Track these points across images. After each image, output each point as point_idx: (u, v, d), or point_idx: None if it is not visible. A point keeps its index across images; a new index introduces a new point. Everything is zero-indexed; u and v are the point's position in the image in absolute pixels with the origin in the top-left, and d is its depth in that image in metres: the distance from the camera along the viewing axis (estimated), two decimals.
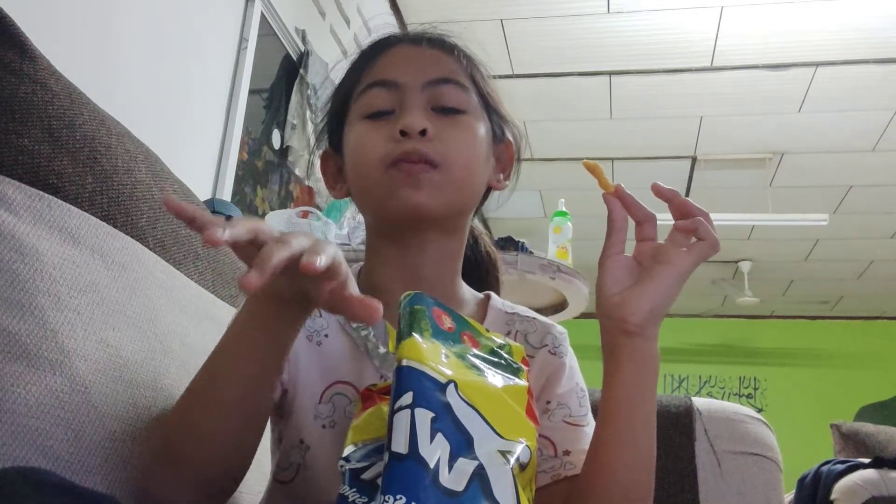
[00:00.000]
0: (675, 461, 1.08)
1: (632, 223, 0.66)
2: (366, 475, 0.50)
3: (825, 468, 2.63)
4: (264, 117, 2.67)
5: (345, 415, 0.69)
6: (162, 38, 2.06)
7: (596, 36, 3.88)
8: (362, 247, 0.80)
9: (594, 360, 0.65)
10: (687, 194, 5.30)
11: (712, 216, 0.64)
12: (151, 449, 0.64)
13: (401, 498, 0.44)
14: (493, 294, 0.81)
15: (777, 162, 4.90)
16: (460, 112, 0.73)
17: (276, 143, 2.75)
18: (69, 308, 0.63)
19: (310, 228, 1.98)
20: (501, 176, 0.80)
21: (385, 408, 0.53)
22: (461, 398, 0.51)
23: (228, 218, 1.71)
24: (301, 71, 2.87)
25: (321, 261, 0.46)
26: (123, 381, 0.66)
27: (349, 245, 2.02)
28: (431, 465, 0.46)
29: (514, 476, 0.49)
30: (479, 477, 0.47)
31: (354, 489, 0.49)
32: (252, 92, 2.50)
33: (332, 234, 2.03)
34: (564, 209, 2.26)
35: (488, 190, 0.80)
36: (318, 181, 2.92)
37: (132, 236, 0.77)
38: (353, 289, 0.51)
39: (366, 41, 0.80)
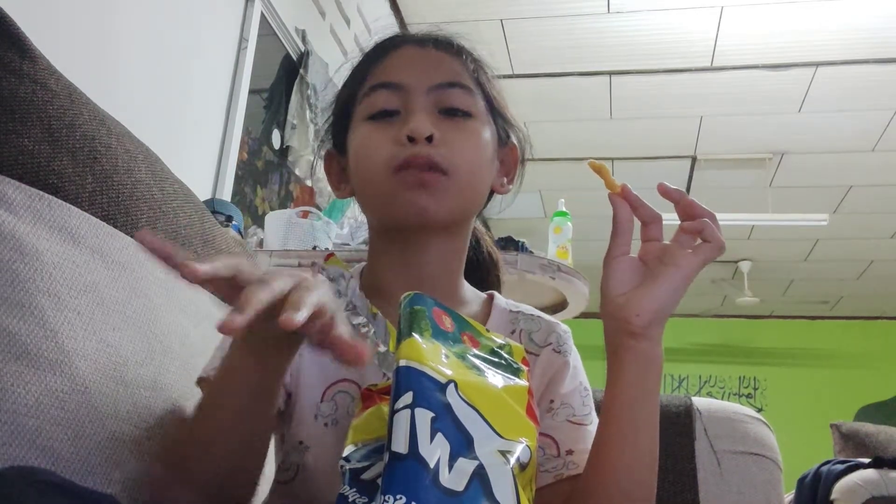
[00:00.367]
0: (675, 461, 1.08)
1: (637, 223, 0.65)
2: (366, 475, 0.50)
3: (825, 468, 2.63)
4: (264, 117, 2.67)
5: (347, 413, 0.69)
6: (162, 38, 2.06)
7: (596, 36, 3.88)
8: (363, 247, 0.80)
9: (594, 359, 0.65)
10: (687, 194, 5.30)
11: None
12: (162, 460, 0.64)
13: (401, 498, 0.44)
14: (496, 293, 0.81)
15: (777, 162, 4.90)
16: (466, 115, 0.73)
17: (276, 143, 2.75)
18: (69, 308, 0.63)
19: (310, 228, 1.98)
20: (505, 179, 0.80)
21: (385, 407, 0.53)
22: (461, 398, 0.51)
23: (229, 218, 1.70)
24: (301, 71, 2.87)
25: (301, 315, 0.45)
26: (123, 381, 0.66)
27: (349, 245, 2.02)
28: (431, 465, 0.46)
29: (514, 476, 0.49)
30: (480, 477, 0.47)
31: (354, 489, 0.49)
32: (252, 92, 2.50)
33: (332, 234, 2.03)
34: (564, 209, 2.26)
35: (491, 193, 0.79)
36: (318, 181, 2.92)
37: (132, 236, 0.77)
38: (342, 327, 0.50)
39: (370, 41, 0.80)
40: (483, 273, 0.89)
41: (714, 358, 7.70)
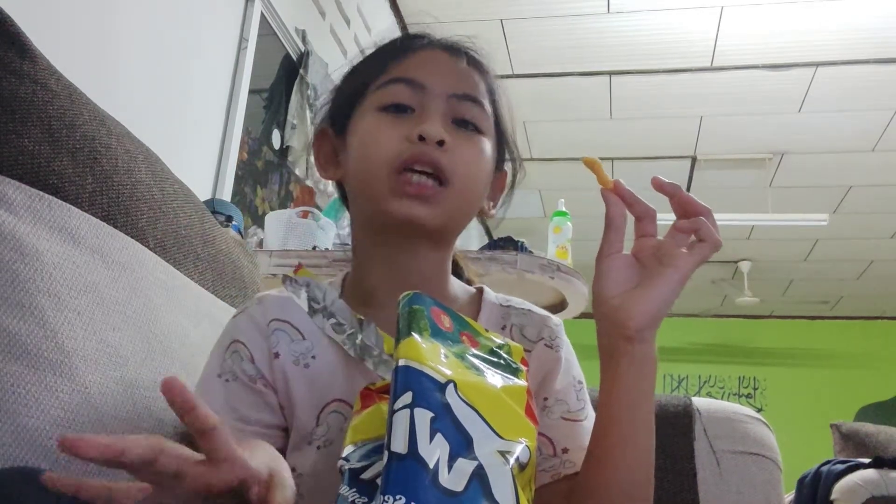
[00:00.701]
0: (675, 461, 1.08)
1: (630, 220, 0.65)
2: (365, 475, 0.50)
3: (825, 468, 2.63)
4: (264, 117, 2.68)
5: (340, 431, 0.67)
6: (162, 38, 2.06)
7: (596, 36, 3.88)
8: None
9: (594, 359, 0.64)
10: (681, 188, 5.30)
11: None
12: None
13: (400, 498, 0.44)
14: (485, 288, 0.80)
15: (777, 162, 4.90)
16: (476, 131, 0.73)
17: (276, 143, 2.75)
18: (69, 308, 0.63)
19: (310, 228, 1.98)
20: (491, 203, 0.80)
21: (384, 407, 0.53)
22: (460, 398, 0.51)
23: (228, 218, 1.70)
24: (301, 71, 2.87)
25: None
26: (123, 381, 0.66)
27: (349, 245, 2.02)
28: (431, 465, 0.46)
29: (513, 476, 0.49)
30: (479, 477, 0.47)
31: (354, 489, 0.49)
32: (252, 92, 2.50)
33: (332, 234, 2.03)
34: (564, 209, 2.26)
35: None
36: (318, 181, 2.92)
37: (132, 236, 0.77)
38: None
39: (379, 33, 0.79)
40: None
41: (714, 358, 7.70)
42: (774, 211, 5.10)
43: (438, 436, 0.47)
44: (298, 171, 2.90)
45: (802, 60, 3.94)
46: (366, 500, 0.48)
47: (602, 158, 0.66)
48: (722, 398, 6.65)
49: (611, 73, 4.17)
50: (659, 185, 0.63)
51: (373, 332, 0.67)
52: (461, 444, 0.49)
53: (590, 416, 0.72)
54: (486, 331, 0.63)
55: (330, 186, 2.90)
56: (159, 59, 2.05)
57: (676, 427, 1.10)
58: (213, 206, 1.95)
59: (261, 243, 2.10)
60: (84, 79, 0.87)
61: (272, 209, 2.60)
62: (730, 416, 1.13)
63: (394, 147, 0.69)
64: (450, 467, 0.47)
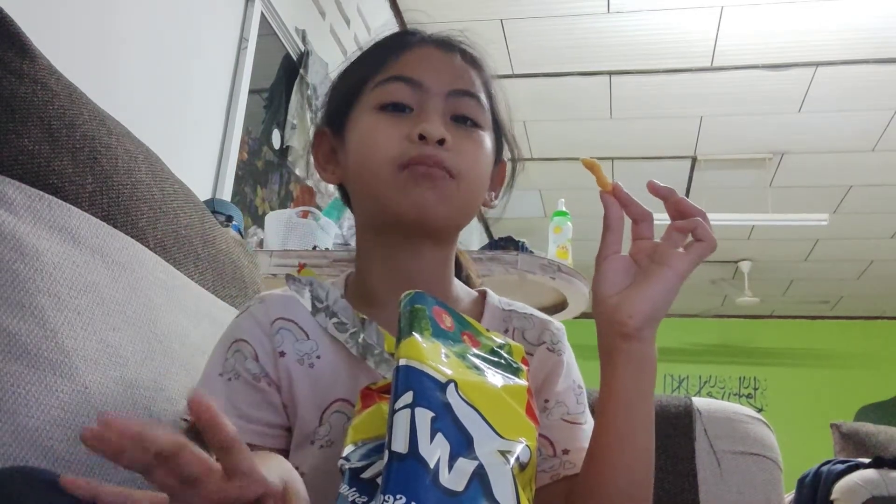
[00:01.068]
0: (675, 461, 1.08)
1: (628, 222, 0.65)
2: (366, 474, 0.50)
3: (825, 468, 2.63)
4: (264, 117, 2.68)
5: (342, 432, 0.68)
6: (162, 38, 2.06)
7: (596, 36, 3.88)
8: None
9: (594, 360, 0.64)
10: (687, 194, 5.32)
11: (712, 216, 0.64)
12: None
13: (400, 497, 0.44)
14: (488, 291, 0.81)
15: (777, 162, 4.90)
16: (475, 126, 0.73)
17: (276, 143, 2.75)
18: (69, 308, 0.63)
19: (310, 228, 1.97)
20: (493, 194, 0.80)
21: (384, 407, 0.53)
22: (461, 398, 0.51)
23: (229, 218, 1.70)
24: (301, 71, 2.87)
25: None
26: (123, 381, 0.66)
27: (349, 245, 2.02)
28: (431, 465, 0.46)
29: (513, 476, 0.49)
30: (479, 477, 0.47)
31: (354, 489, 0.49)
32: (252, 92, 2.50)
33: (332, 234, 2.03)
34: (564, 209, 2.26)
35: None
36: (318, 181, 2.92)
37: (132, 236, 0.77)
38: None
39: (380, 33, 0.79)
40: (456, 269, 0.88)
41: (714, 358, 7.70)
42: (774, 211, 5.10)
43: (439, 435, 0.47)
44: (298, 171, 2.90)
45: (802, 60, 3.94)
46: (366, 499, 0.48)
47: (602, 158, 0.67)
48: (722, 398, 6.65)
49: (611, 73, 4.17)
50: (654, 189, 0.64)
51: (374, 331, 0.67)
52: (462, 444, 0.49)
53: (589, 421, 0.73)
54: (487, 330, 0.63)
55: (330, 187, 2.90)
56: (159, 59, 2.05)
57: (677, 427, 1.10)
58: (213, 206, 1.95)
59: (261, 243, 2.10)
60: (84, 79, 0.87)
61: (272, 209, 2.60)
62: (730, 417, 1.13)
63: (395, 147, 0.69)
64: (450, 467, 0.47)
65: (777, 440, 1.14)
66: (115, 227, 0.75)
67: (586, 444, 0.67)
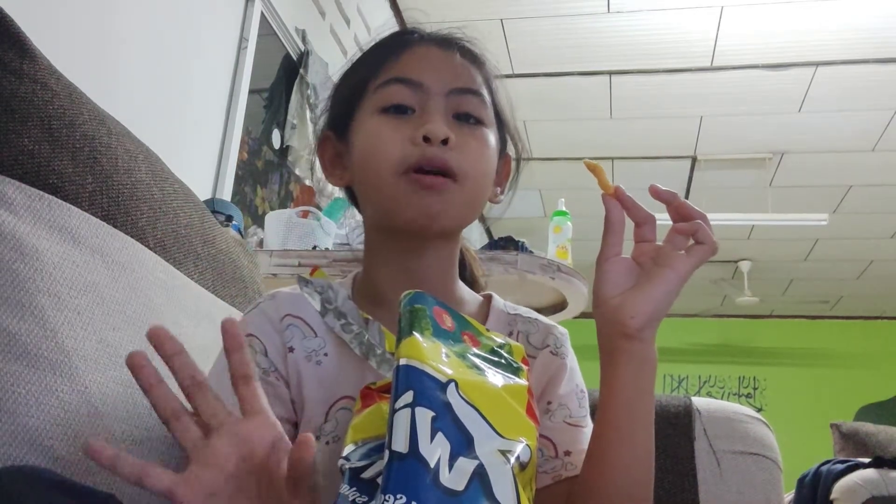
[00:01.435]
0: (675, 461, 1.08)
1: (630, 224, 0.65)
2: (366, 474, 0.50)
3: (825, 468, 2.63)
4: (264, 117, 2.67)
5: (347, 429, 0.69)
6: (162, 38, 2.06)
7: (596, 36, 3.88)
8: (362, 247, 0.80)
9: (595, 360, 0.65)
10: (687, 194, 5.32)
11: (712, 216, 0.64)
12: None
13: (401, 497, 0.44)
14: (494, 295, 0.81)
15: (777, 162, 4.90)
16: (478, 123, 0.73)
17: (276, 143, 2.75)
18: (69, 308, 0.63)
19: (310, 228, 1.97)
20: (499, 189, 0.80)
21: (385, 406, 0.53)
22: (461, 397, 0.51)
23: (228, 218, 1.70)
24: (301, 71, 2.87)
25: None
26: (123, 382, 0.66)
27: (349, 245, 2.02)
28: (432, 465, 0.46)
29: (514, 475, 0.49)
30: (480, 476, 0.47)
31: (354, 488, 0.49)
32: (252, 92, 2.50)
33: (332, 234, 2.03)
34: (564, 209, 2.26)
35: None
36: (318, 181, 2.92)
37: (132, 236, 0.77)
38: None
39: (383, 32, 0.79)
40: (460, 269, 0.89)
41: (714, 358, 7.70)
42: (774, 211, 5.10)
43: (439, 435, 0.47)
44: (298, 171, 2.90)
45: (802, 60, 3.94)
46: (366, 499, 0.48)
47: (602, 158, 0.67)
48: (722, 398, 6.65)
49: (611, 73, 4.17)
50: (656, 193, 0.64)
51: (377, 331, 0.67)
52: (462, 444, 0.49)
53: (590, 425, 0.73)
54: (488, 330, 0.64)
55: (330, 186, 2.90)
56: (159, 59, 2.05)
57: (677, 427, 1.10)
58: (213, 205, 1.95)
59: (261, 243, 2.10)
60: (84, 79, 0.87)
61: (272, 209, 2.60)
62: (730, 416, 1.13)
63: (399, 150, 0.69)
64: (451, 466, 0.47)
65: (777, 440, 1.14)
66: (115, 226, 0.75)
67: (587, 446, 0.67)
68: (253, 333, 0.71)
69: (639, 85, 4.23)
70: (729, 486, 1.07)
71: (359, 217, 0.84)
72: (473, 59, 0.76)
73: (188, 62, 2.19)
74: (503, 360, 0.60)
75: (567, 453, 0.69)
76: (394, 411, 0.48)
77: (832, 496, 2.48)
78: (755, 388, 7.55)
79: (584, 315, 2.05)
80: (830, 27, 3.66)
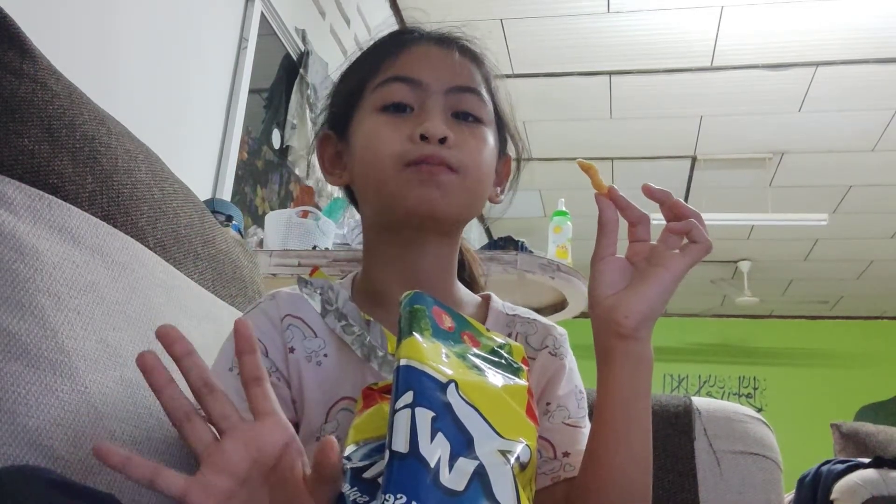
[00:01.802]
0: (675, 461, 1.08)
1: (624, 223, 0.66)
2: (367, 474, 0.50)
3: (825, 468, 2.63)
4: (264, 117, 2.67)
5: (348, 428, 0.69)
6: (162, 38, 2.06)
7: (596, 36, 3.88)
8: (361, 247, 0.80)
9: (594, 359, 0.65)
10: (687, 194, 5.32)
11: (712, 216, 0.64)
12: None
13: (401, 497, 0.44)
14: (492, 295, 0.81)
15: (777, 162, 4.90)
16: (477, 122, 0.73)
17: (276, 143, 2.75)
18: (69, 308, 0.63)
19: (310, 228, 1.97)
20: (498, 189, 0.80)
21: (386, 407, 0.53)
22: (461, 398, 0.51)
23: (228, 218, 1.70)
24: (301, 71, 2.87)
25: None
26: (123, 381, 0.66)
27: (349, 245, 2.02)
28: (432, 465, 0.46)
29: (514, 476, 0.49)
30: (480, 476, 0.47)
31: (355, 488, 0.49)
32: (252, 92, 2.50)
33: (332, 234, 2.03)
34: (564, 209, 2.26)
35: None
36: (318, 181, 2.92)
37: (132, 236, 0.77)
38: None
39: (381, 32, 0.79)
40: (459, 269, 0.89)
41: (714, 358, 7.70)
42: (774, 211, 5.11)
43: (439, 435, 0.48)
44: (298, 171, 2.90)
45: (802, 60, 3.94)
46: (367, 499, 0.48)
47: (602, 158, 0.67)
48: (722, 398, 6.64)
49: (611, 73, 4.17)
50: (649, 192, 0.64)
51: (378, 333, 0.67)
52: (462, 444, 0.49)
53: (588, 426, 0.73)
54: (488, 330, 0.64)
55: (330, 186, 2.90)
56: (159, 59, 2.05)
57: (676, 427, 1.10)
58: (213, 205, 1.95)
59: (261, 243, 2.10)
60: (84, 79, 0.87)
61: (272, 209, 2.60)
62: (730, 416, 1.13)
63: (397, 148, 0.69)
64: (451, 466, 0.47)
65: (777, 440, 1.14)
66: (115, 226, 0.75)
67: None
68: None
69: (639, 85, 4.23)
70: (729, 486, 1.07)
71: (358, 217, 0.84)
72: (473, 57, 0.76)
73: (188, 62, 2.19)
74: (503, 361, 0.60)
75: (566, 454, 0.69)
76: (394, 412, 0.48)
77: (832, 496, 2.48)
78: (755, 388, 7.55)
79: (583, 315, 2.04)
80: (830, 27, 3.66)
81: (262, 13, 2.56)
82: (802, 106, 4.30)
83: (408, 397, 0.48)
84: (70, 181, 0.71)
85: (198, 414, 0.52)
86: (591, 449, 0.65)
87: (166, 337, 0.52)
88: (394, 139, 0.69)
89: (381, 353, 0.66)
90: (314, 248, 1.94)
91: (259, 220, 2.51)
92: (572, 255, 2.18)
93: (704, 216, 0.64)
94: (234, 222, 1.94)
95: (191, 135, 2.23)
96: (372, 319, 0.69)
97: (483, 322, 0.76)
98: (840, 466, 2.57)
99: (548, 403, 0.72)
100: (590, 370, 0.68)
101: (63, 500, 0.44)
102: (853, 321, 7.58)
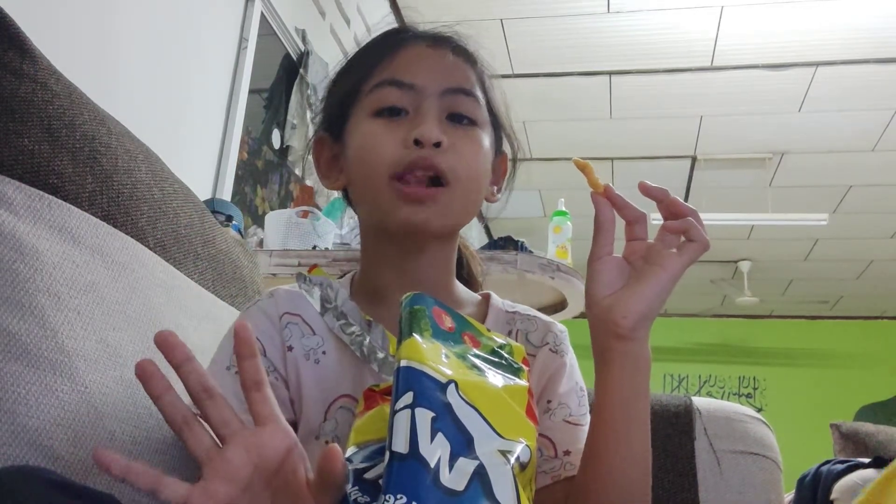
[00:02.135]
0: (675, 460, 1.08)
1: (621, 222, 0.65)
2: (369, 475, 0.50)
3: (825, 468, 2.62)
4: (264, 117, 2.67)
5: (348, 428, 0.68)
6: (162, 38, 2.06)
7: (596, 36, 3.88)
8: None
9: (592, 359, 0.64)
10: (687, 194, 5.32)
11: (712, 216, 0.64)
12: None
13: (401, 497, 0.44)
14: (492, 294, 0.81)
15: (777, 162, 4.90)
16: (471, 123, 0.72)
17: (276, 143, 2.75)
18: (69, 308, 0.63)
19: (310, 228, 1.97)
20: (495, 188, 0.80)
21: (387, 409, 0.53)
22: (461, 398, 0.51)
23: (229, 218, 1.70)
24: (301, 71, 2.87)
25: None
26: (123, 381, 0.66)
27: (349, 245, 2.02)
28: (432, 465, 0.46)
29: (514, 476, 0.49)
30: (480, 476, 0.47)
31: (357, 487, 0.49)
32: (252, 92, 2.50)
33: (331, 234, 2.03)
34: (564, 209, 2.26)
35: None
36: (318, 181, 2.92)
37: (132, 236, 0.77)
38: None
39: (379, 31, 0.78)
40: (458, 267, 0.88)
41: (714, 358, 7.70)
42: (774, 211, 5.10)
43: (439, 435, 0.48)
44: (298, 171, 2.90)
45: (802, 60, 3.94)
46: (368, 499, 0.48)
47: (602, 158, 0.67)
48: (722, 398, 6.64)
49: (611, 73, 4.17)
50: (646, 190, 0.63)
51: (380, 335, 0.67)
52: (462, 444, 0.49)
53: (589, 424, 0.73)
54: (488, 331, 0.64)
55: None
56: (159, 59, 2.05)
57: (677, 427, 1.10)
58: (213, 205, 1.95)
59: (261, 243, 2.10)
60: (84, 79, 0.87)
61: (272, 209, 2.60)
62: (730, 416, 1.13)
63: (391, 154, 0.68)
64: (451, 467, 0.47)
65: (777, 440, 1.14)
66: (115, 226, 0.75)
67: None
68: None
69: (639, 85, 4.23)
70: (729, 486, 1.07)
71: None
72: (466, 57, 0.76)
73: (188, 62, 2.19)
74: (503, 361, 0.60)
75: (566, 453, 0.69)
76: (394, 412, 0.48)
77: (832, 496, 2.48)
78: (755, 388, 7.55)
79: (583, 315, 2.04)
80: (830, 27, 3.66)
81: (262, 13, 2.56)
82: (802, 106, 4.30)
83: (408, 398, 0.48)
84: (70, 181, 0.71)
85: (197, 420, 0.51)
86: (590, 449, 0.65)
87: (164, 343, 0.51)
88: (388, 144, 0.69)
89: (381, 355, 0.66)
90: (314, 248, 1.94)
91: (259, 220, 2.51)
92: (572, 255, 2.18)
93: (704, 216, 0.64)
94: (234, 222, 1.94)
95: (191, 135, 2.23)
96: (373, 320, 0.69)
97: (483, 320, 0.76)
98: (840, 466, 2.57)
99: (549, 401, 0.72)
100: (591, 370, 0.68)
101: (63, 500, 0.44)
102: (853, 321, 7.58)
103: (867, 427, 3.07)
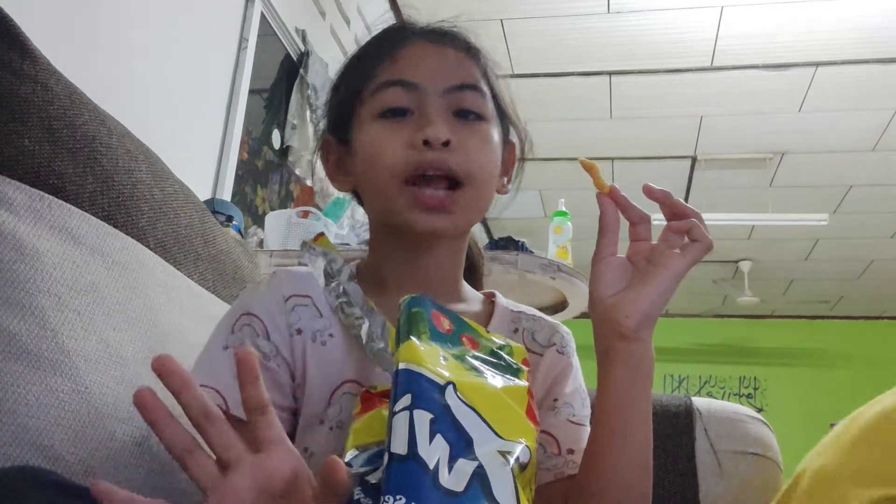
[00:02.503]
0: (675, 461, 1.08)
1: (625, 223, 0.65)
2: (371, 478, 0.50)
3: None
4: (264, 117, 2.67)
5: (351, 415, 0.68)
6: (162, 38, 2.06)
7: (596, 36, 3.88)
8: (363, 247, 0.80)
9: (594, 359, 0.65)
10: (687, 194, 5.32)
11: (712, 216, 0.65)
12: None
13: (401, 498, 0.44)
14: (497, 293, 0.81)
15: (777, 162, 4.90)
16: (479, 118, 0.71)
17: (276, 143, 2.75)
18: (69, 308, 0.63)
19: (310, 228, 1.98)
20: (505, 179, 0.79)
21: (384, 411, 0.53)
22: (460, 399, 0.51)
23: (229, 218, 1.70)
24: (301, 71, 2.87)
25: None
26: (123, 381, 0.66)
27: (350, 245, 2.02)
28: (431, 466, 0.46)
29: (513, 476, 0.49)
30: (479, 477, 0.47)
31: (359, 487, 0.49)
32: (252, 92, 2.50)
33: (332, 234, 2.03)
34: (564, 209, 2.26)
35: None
36: (318, 181, 2.92)
37: (132, 236, 0.77)
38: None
39: (378, 29, 0.77)
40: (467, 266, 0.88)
41: (714, 358, 7.70)
42: (774, 211, 5.10)
43: (438, 437, 0.48)
44: (298, 171, 2.90)
45: (802, 60, 3.94)
46: (369, 501, 0.48)
47: (602, 158, 0.67)
48: (722, 398, 6.64)
49: (611, 73, 4.17)
50: (649, 192, 0.64)
51: (380, 324, 0.66)
52: (461, 445, 0.49)
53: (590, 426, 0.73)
54: (487, 332, 0.63)
55: (330, 186, 2.90)
56: (159, 58, 2.05)
57: (677, 427, 1.10)
58: (213, 206, 1.95)
59: (261, 243, 2.10)
60: (84, 79, 0.87)
61: (272, 209, 2.60)
62: (730, 416, 1.12)
63: (399, 156, 0.68)
64: (450, 468, 0.47)
65: (777, 440, 1.14)
66: (116, 227, 0.75)
67: None
68: (254, 313, 0.69)
69: (639, 85, 4.23)
70: (729, 486, 1.07)
71: (358, 217, 0.84)
72: (469, 51, 0.75)
73: (188, 62, 2.19)
74: (503, 362, 0.60)
75: (570, 451, 0.69)
76: (392, 414, 0.48)
77: None
78: (755, 388, 7.55)
79: (584, 315, 2.04)
80: (830, 27, 3.66)
81: (262, 13, 2.56)
82: (802, 106, 4.30)
83: (406, 400, 0.48)
84: (70, 181, 0.71)
85: (199, 446, 0.50)
86: (590, 450, 0.65)
87: (162, 369, 0.49)
88: (395, 146, 0.68)
89: (380, 346, 0.65)
90: None
91: (259, 221, 2.51)
92: (573, 255, 2.18)
93: (705, 216, 0.64)
94: (234, 222, 1.94)
95: (191, 135, 2.23)
96: (376, 308, 0.68)
97: (489, 318, 0.76)
98: None
99: (555, 399, 0.72)
100: (592, 370, 0.69)
101: (63, 500, 0.44)
102: (854, 321, 7.58)
103: None
